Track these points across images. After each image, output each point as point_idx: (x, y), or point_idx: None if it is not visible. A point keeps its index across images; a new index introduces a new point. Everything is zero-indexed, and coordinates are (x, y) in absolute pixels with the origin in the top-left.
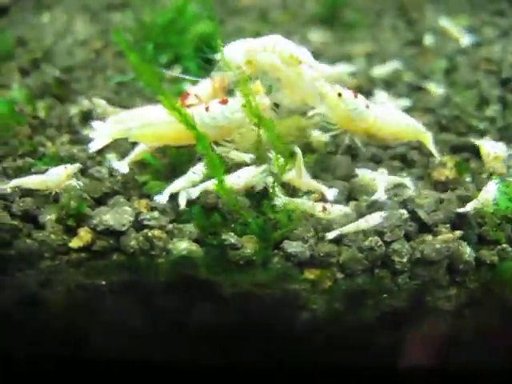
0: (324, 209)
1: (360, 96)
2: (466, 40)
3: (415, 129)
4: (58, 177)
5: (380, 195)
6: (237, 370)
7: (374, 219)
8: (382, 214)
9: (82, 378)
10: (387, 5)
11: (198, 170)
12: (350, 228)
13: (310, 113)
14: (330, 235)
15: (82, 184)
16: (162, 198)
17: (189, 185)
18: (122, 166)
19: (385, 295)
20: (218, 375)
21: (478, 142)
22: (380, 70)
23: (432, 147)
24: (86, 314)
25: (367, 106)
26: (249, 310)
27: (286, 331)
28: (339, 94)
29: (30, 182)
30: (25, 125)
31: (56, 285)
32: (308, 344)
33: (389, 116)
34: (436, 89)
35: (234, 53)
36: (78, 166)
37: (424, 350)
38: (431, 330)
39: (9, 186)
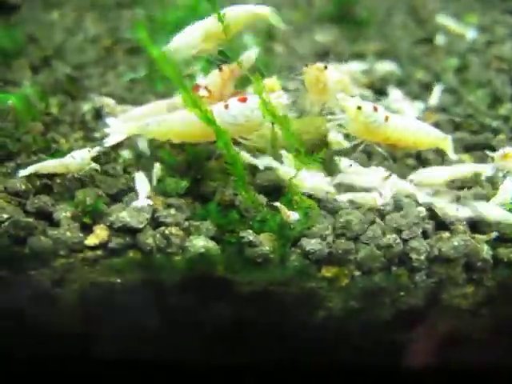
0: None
1: (380, 108)
2: (470, 35)
3: (435, 136)
4: (81, 160)
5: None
6: (253, 369)
7: (464, 212)
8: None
9: (94, 378)
10: (397, 3)
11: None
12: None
13: (331, 122)
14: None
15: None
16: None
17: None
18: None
19: (401, 293)
20: (234, 374)
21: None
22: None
23: (451, 152)
24: (101, 313)
25: (386, 118)
26: (265, 308)
27: (302, 329)
28: (359, 107)
29: (50, 165)
30: (38, 121)
31: (71, 283)
32: (323, 342)
33: (408, 126)
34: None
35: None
36: (99, 148)
37: (439, 348)
38: (446, 329)
39: (28, 171)
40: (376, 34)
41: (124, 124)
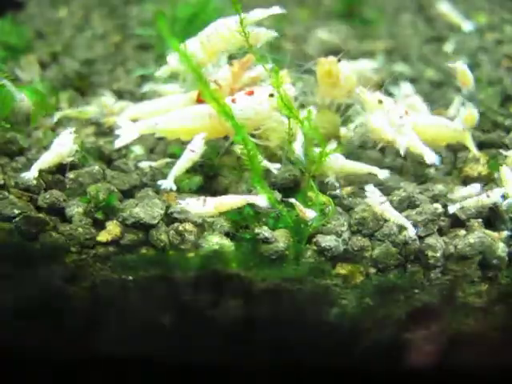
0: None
1: (400, 104)
2: (467, 26)
3: (455, 130)
4: (70, 144)
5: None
6: (265, 369)
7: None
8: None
9: (106, 376)
10: (405, 2)
11: None
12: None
13: (352, 125)
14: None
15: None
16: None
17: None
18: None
19: (416, 290)
20: (246, 373)
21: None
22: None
23: (472, 145)
24: (113, 310)
25: (406, 113)
26: (279, 306)
27: (315, 327)
28: (380, 101)
29: (46, 161)
30: (48, 116)
31: (82, 280)
32: (336, 341)
33: (427, 121)
34: None
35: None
36: (72, 129)
37: (452, 347)
38: (460, 327)
39: (32, 174)
40: (384, 32)
41: (133, 124)
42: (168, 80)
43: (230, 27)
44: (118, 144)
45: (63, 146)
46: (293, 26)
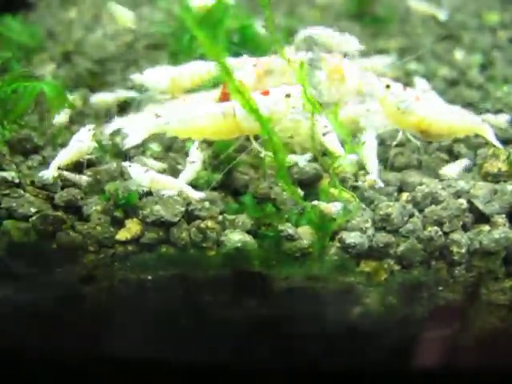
0: None
1: (409, 89)
2: (442, 15)
3: (471, 122)
4: (88, 141)
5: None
6: (286, 368)
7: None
8: None
9: (122, 377)
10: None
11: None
12: None
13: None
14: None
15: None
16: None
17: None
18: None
19: (440, 288)
20: (265, 371)
21: None
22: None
23: (493, 139)
24: (131, 311)
25: (417, 99)
26: (301, 304)
27: (338, 326)
28: (387, 86)
29: (65, 158)
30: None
31: (100, 280)
32: (358, 341)
33: (441, 110)
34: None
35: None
36: (93, 125)
37: (476, 346)
38: (484, 325)
39: (51, 173)
40: (397, 31)
41: (143, 123)
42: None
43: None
44: (128, 144)
45: (82, 143)
46: (302, 24)
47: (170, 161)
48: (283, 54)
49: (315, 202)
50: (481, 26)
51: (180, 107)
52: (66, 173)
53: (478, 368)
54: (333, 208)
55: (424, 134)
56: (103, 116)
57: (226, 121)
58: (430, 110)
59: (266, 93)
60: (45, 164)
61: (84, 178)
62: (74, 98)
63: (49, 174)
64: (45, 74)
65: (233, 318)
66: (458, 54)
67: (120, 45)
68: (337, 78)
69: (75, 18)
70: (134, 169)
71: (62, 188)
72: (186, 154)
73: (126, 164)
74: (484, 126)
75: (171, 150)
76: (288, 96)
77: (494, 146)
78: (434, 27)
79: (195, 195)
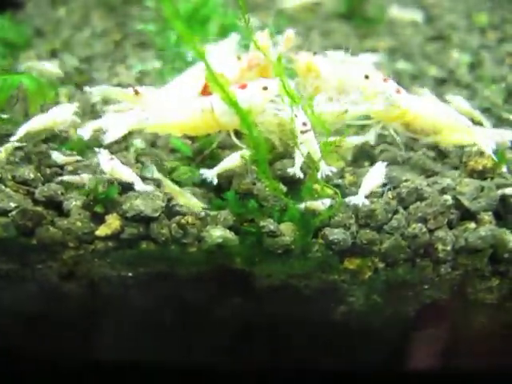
0: None
1: (390, 81)
2: (419, 17)
3: (457, 122)
4: (66, 113)
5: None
6: (272, 368)
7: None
8: None
9: (104, 378)
10: (405, 1)
11: None
12: None
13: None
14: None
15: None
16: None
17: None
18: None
19: (425, 286)
20: (253, 374)
21: None
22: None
23: (480, 143)
24: (112, 308)
25: (398, 91)
26: (285, 302)
27: (322, 325)
28: (366, 76)
29: (40, 122)
30: (47, 110)
31: (80, 277)
32: (344, 339)
33: (425, 105)
34: None
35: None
36: (77, 104)
37: (463, 345)
38: (471, 324)
39: (18, 135)
40: (386, 31)
41: (123, 118)
42: None
43: None
44: (108, 139)
45: (60, 114)
46: (293, 24)
47: (153, 157)
48: (253, 37)
49: (302, 205)
50: (470, 27)
51: (160, 102)
52: (66, 177)
53: (464, 367)
54: (321, 205)
55: (408, 127)
56: (88, 113)
57: (205, 116)
58: (414, 104)
59: (243, 86)
60: (27, 159)
61: (85, 177)
62: (65, 91)
63: (16, 137)
64: (31, 71)
65: (214, 315)
66: (452, 54)
67: (108, 43)
68: (312, 75)
69: (64, 16)
70: (101, 155)
71: (43, 183)
72: (171, 150)
73: (97, 150)
74: (472, 127)
75: (155, 146)
76: (265, 89)
77: (483, 151)
78: (423, 28)
79: (144, 188)
